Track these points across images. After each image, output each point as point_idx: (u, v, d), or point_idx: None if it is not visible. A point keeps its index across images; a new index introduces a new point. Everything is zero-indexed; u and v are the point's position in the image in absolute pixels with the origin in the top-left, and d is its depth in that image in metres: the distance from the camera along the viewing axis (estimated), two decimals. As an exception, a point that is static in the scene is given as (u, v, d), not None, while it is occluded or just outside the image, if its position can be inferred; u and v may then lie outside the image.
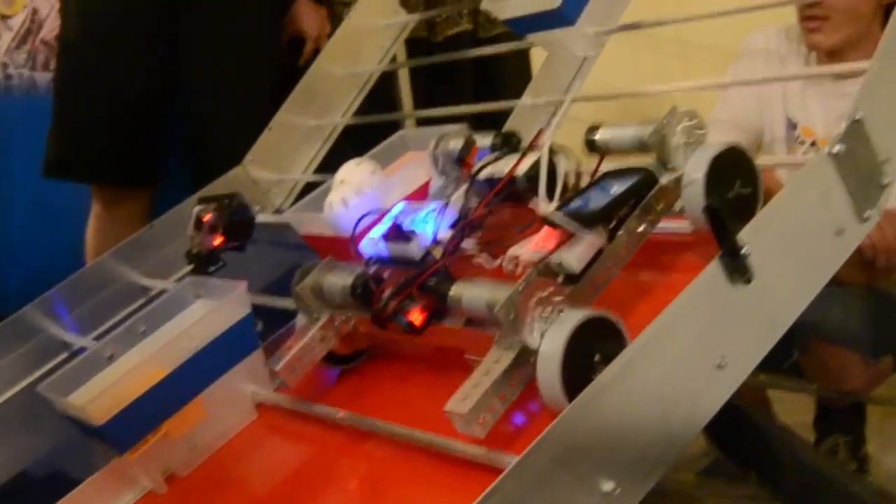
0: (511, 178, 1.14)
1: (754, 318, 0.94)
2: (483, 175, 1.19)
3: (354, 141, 1.64)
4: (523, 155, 1.15)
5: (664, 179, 1.01)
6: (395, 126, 2.03)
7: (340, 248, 1.23)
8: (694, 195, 0.99)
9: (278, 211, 1.92)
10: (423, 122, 2.26)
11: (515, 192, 1.13)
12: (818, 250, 1.00)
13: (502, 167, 1.17)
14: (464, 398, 0.93)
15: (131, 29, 2.11)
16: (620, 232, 0.99)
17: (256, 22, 2.21)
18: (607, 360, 0.87)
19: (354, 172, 1.34)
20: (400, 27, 2.08)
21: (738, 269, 0.91)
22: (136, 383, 1.15)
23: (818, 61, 2.00)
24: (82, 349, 1.59)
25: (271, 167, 1.94)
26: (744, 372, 0.93)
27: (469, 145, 1.24)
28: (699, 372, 0.90)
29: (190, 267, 1.52)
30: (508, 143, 1.25)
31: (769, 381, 2.10)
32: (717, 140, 1.03)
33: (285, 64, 2.28)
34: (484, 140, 1.27)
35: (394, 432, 1.07)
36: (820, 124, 1.97)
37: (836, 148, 1.00)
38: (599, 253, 0.99)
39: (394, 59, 2.12)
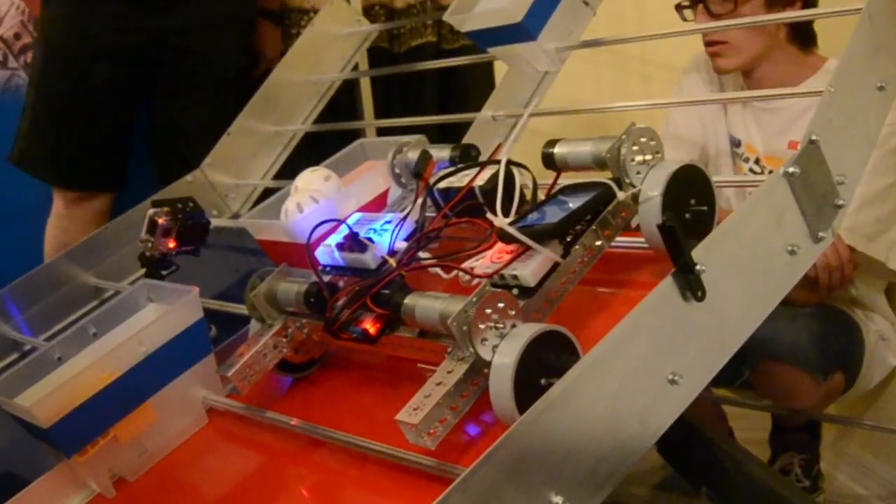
0: (469, 191, 1.14)
1: (707, 334, 0.94)
2: (441, 186, 1.19)
3: (320, 148, 1.64)
4: (481, 168, 1.15)
5: (621, 195, 1.01)
6: (357, 134, 2.04)
7: (296, 254, 1.22)
8: (650, 212, 0.99)
9: (236, 215, 1.91)
10: (384, 131, 2.26)
11: (473, 205, 1.13)
12: (771, 269, 1.01)
13: (460, 179, 1.17)
14: (415, 408, 0.92)
15: (123, 44, 2.10)
16: (576, 246, 0.99)
17: (232, 47, 2.23)
18: (560, 373, 0.87)
19: (310, 179, 1.34)
20: (362, 37, 2.09)
21: (691, 285, 0.91)
22: (85, 386, 1.14)
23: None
24: (32, 349, 1.57)
25: (230, 172, 1.94)
26: (696, 388, 0.93)
27: (425, 159, 1.23)
28: (651, 387, 0.90)
29: (143, 270, 1.51)
30: (467, 156, 1.25)
31: (724, 395, 2.11)
32: (669, 156, 1.04)
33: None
34: (442, 152, 1.27)
35: (345, 441, 1.06)
36: (759, 140, 1.99)
37: (792, 168, 1.01)
38: (555, 267, 0.98)
39: (356, 68, 2.13)
